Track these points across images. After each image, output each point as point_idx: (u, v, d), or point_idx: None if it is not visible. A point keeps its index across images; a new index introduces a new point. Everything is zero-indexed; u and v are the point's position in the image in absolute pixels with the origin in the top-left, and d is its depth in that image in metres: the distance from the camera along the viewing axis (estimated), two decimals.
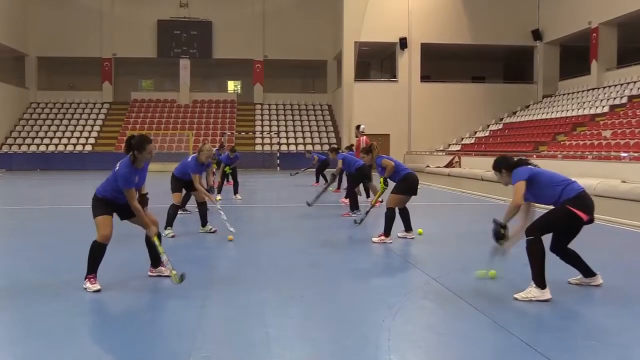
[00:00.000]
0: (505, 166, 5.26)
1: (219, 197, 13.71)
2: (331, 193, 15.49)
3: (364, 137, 13.00)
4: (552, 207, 5.10)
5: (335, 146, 12.88)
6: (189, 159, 8.70)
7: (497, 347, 3.89)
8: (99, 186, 5.41)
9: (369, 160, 8.43)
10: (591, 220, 4.98)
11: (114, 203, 5.33)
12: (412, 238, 8.09)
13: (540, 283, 4.86)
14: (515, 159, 5.33)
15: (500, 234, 5.06)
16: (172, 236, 8.09)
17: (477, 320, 4.43)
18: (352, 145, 17.37)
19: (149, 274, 5.69)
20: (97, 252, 5.19)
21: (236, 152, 14.63)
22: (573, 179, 5.14)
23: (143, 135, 5.37)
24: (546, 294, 4.85)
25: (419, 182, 8.17)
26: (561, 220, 4.99)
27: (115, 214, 5.41)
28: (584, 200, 4.94)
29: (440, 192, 17.13)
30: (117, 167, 5.29)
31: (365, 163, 8.88)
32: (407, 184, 7.93)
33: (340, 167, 11.70)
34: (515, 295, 4.92)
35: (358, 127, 15.41)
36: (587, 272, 5.31)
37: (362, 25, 32.63)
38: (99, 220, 5.23)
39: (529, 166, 5.17)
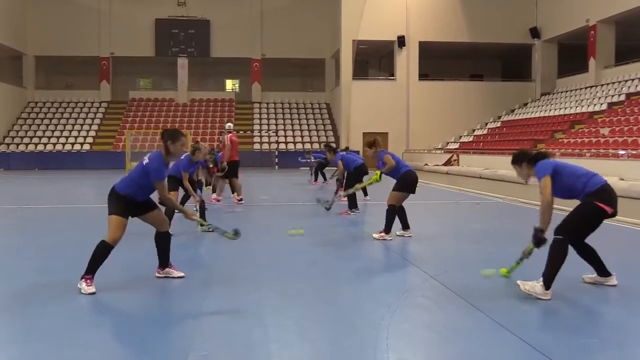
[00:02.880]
0: (526, 159, 5.10)
1: (214, 195, 13.69)
2: (326, 190, 15.47)
3: (230, 134, 13.11)
4: (573, 200, 4.99)
5: (333, 145, 12.76)
6: (182, 157, 8.70)
7: (495, 345, 3.89)
8: (119, 182, 5.25)
9: (372, 153, 8.23)
10: (614, 214, 4.91)
11: (132, 201, 5.21)
12: (410, 236, 8.10)
13: (548, 284, 4.82)
14: (535, 152, 5.20)
15: (542, 239, 4.92)
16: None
17: (475, 318, 4.43)
18: (348, 147, 17.38)
19: (157, 275, 5.61)
20: (102, 253, 5.07)
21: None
22: (594, 172, 5.03)
23: (176, 129, 5.43)
24: (548, 294, 4.81)
25: (418, 180, 8.16)
26: (591, 217, 4.90)
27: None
28: (608, 194, 4.88)
29: (439, 190, 17.13)
30: (147, 161, 5.20)
31: (368, 156, 8.74)
32: (407, 182, 7.93)
33: (342, 170, 11.61)
34: (519, 282, 4.89)
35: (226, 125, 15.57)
36: (602, 270, 5.22)
37: (360, 23, 32.60)
38: (114, 221, 5.09)
39: (550, 159, 5.04)
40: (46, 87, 38.64)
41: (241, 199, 12.68)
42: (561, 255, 4.83)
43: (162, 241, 5.55)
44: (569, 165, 5.08)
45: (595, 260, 5.20)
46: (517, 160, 5.19)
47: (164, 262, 5.62)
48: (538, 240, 4.95)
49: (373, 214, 10.70)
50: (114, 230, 5.07)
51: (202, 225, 5.90)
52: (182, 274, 5.64)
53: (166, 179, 5.45)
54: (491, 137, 31.03)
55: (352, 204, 10.87)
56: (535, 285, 4.85)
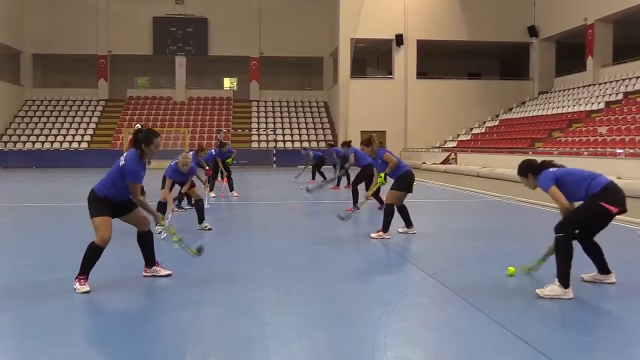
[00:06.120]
0: (530, 170, 5.21)
1: (212, 194, 13.68)
2: (329, 190, 15.49)
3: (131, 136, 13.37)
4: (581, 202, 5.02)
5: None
6: (173, 163, 8.76)
7: (494, 343, 3.89)
8: (97, 184, 5.25)
9: (370, 152, 8.07)
10: (622, 211, 4.93)
11: (112, 201, 5.20)
12: (414, 233, 8.12)
13: (565, 282, 4.81)
14: (539, 160, 5.27)
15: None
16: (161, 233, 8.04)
17: (473, 316, 4.43)
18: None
19: (144, 274, 5.60)
20: (93, 254, 5.06)
21: (226, 145, 14.46)
22: (598, 172, 5.06)
23: (150, 129, 5.30)
24: (569, 293, 4.80)
25: (415, 179, 8.19)
26: (593, 216, 4.93)
27: None
28: (612, 193, 4.89)
29: (437, 188, 17.14)
30: (124, 162, 5.16)
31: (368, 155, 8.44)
32: (406, 181, 7.94)
33: (352, 162, 11.67)
34: (537, 291, 4.88)
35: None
36: (604, 268, 5.25)
37: (358, 22, 32.57)
38: (99, 222, 5.07)
39: (553, 168, 5.11)
40: (44, 85, 38.52)
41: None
42: (566, 251, 4.83)
43: (145, 240, 5.52)
44: (571, 170, 5.11)
45: (599, 259, 5.22)
46: (522, 172, 5.28)
47: (150, 260, 5.59)
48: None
49: (370, 211, 10.71)
50: (102, 230, 5.04)
51: (172, 234, 5.77)
52: (169, 272, 5.61)
53: (142, 180, 5.33)
54: (489, 135, 31.05)
55: (356, 200, 10.91)
56: (553, 288, 4.85)
